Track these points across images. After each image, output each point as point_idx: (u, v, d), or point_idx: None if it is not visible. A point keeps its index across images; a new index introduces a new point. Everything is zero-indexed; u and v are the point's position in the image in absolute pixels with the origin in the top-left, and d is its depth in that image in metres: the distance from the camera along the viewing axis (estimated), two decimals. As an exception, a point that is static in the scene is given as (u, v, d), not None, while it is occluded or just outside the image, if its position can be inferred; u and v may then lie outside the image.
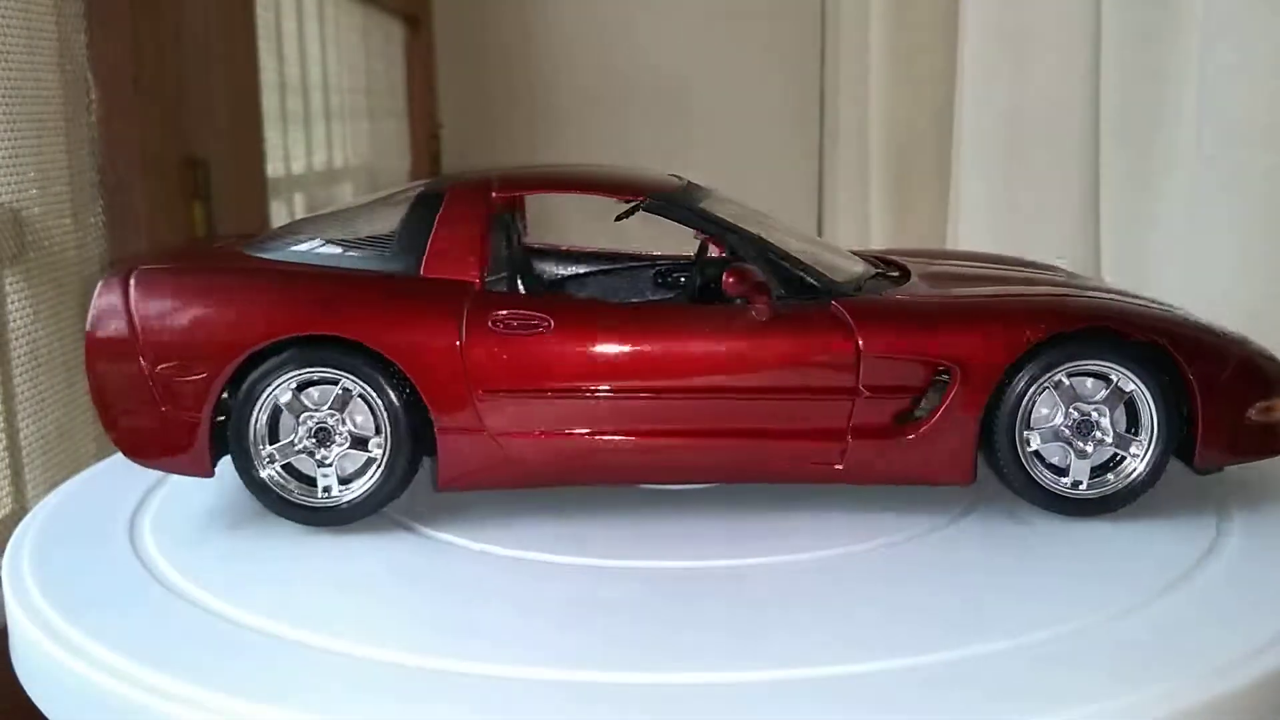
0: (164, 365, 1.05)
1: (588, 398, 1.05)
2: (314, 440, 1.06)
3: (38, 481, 1.57)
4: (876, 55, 2.81)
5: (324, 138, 3.14)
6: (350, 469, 1.07)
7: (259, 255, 1.13)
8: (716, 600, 0.92)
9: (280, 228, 1.20)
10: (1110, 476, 1.06)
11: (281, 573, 0.99)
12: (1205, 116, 1.55)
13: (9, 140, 1.52)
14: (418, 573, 0.98)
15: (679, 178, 1.23)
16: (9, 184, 1.52)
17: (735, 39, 4.09)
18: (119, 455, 1.24)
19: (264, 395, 1.05)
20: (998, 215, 2.02)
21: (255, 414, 1.05)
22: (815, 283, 1.08)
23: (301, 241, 1.13)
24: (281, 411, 1.06)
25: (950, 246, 2.27)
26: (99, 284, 1.08)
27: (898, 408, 1.05)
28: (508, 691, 0.79)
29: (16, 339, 1.53)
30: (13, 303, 1.53)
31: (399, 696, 0.79)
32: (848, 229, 3.27)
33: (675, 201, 1.13)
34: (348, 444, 1.06)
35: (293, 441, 1.06)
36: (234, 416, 1.06)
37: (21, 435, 1.54)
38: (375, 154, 3.68)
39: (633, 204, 1.14)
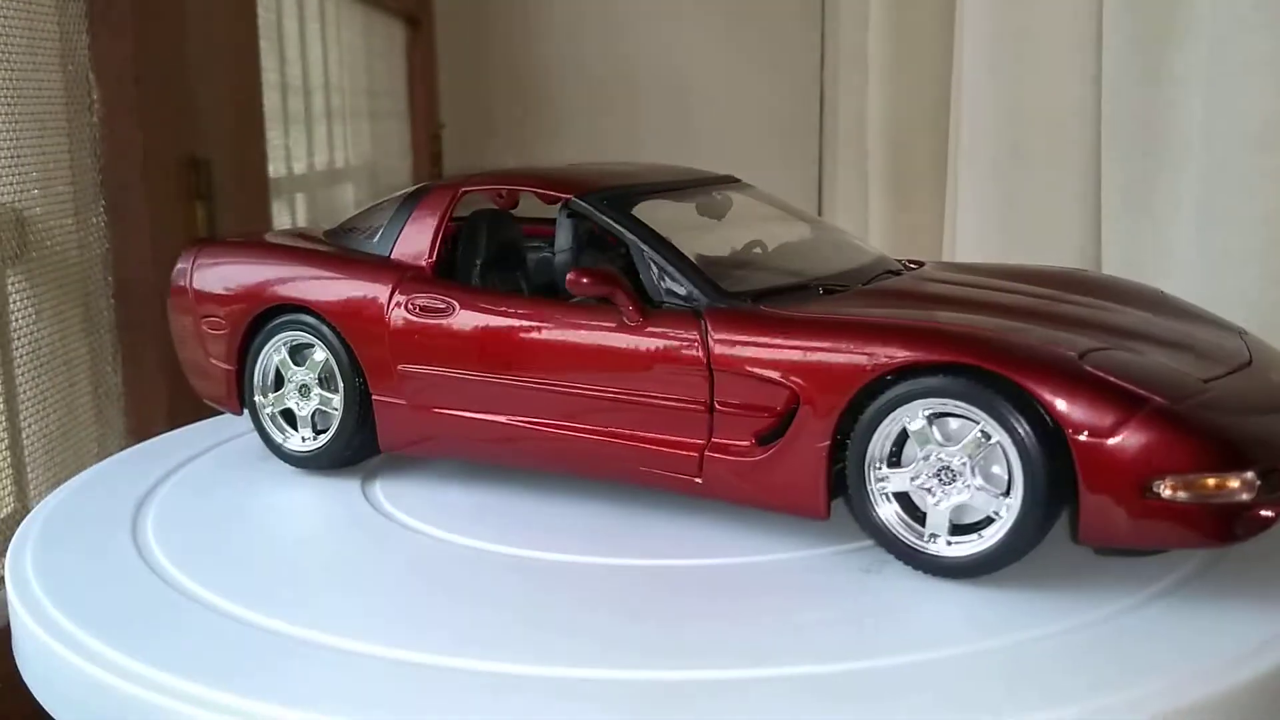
0: (205, 319, 1.27)
1: (476, 381, 1.10)
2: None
3: (40, 481, 1.57)
4: (876, 55, 2.81)
5: (325, 138, 3.14)
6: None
7: (297, 239, 1.30)
8: (714, 597, 0.93)
9: (352, 216, 1.33)
10: (975, 536, 0.91)
11: (284, 571, 0.99)
12: (1207, 118, 1.55)
13: (11, 140, 1.52)
14: (421, 572, 0.99)
15: (733, 179, 1.27)
16: (11, 184, 1.52)
17: (735, 39, 4.09)
18: (121, 454, 1.25)
19: None
20: (996, 216, 2.02)
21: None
22: (693, 290, 1.03)
23: (340, 228, 1.30)
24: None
25: (948, 246, 2.27)
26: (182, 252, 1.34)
27: (760, 426, 0.98)
28: (519, 690, 0.79)
29: (19, 338, 1.53)
30: (15, 302, 1.53)
31: (401, 695, 0.79)
32: (846, 228, 3.27)
33: (596, 202, 1.12)
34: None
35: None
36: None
37: (24, 435, 1.54)
38: (377, 154, 3.68)
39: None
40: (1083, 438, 0.85)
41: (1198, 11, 1.57)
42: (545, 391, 1.07)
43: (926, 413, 0.91)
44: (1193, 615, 0.87)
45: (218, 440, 1.34)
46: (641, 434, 1.04)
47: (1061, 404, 0.86)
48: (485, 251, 1.21)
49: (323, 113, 3.09)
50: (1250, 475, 0.84)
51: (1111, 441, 0.85)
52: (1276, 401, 0.94)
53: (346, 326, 1.17)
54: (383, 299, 1.15)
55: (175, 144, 1.89)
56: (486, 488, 1.16)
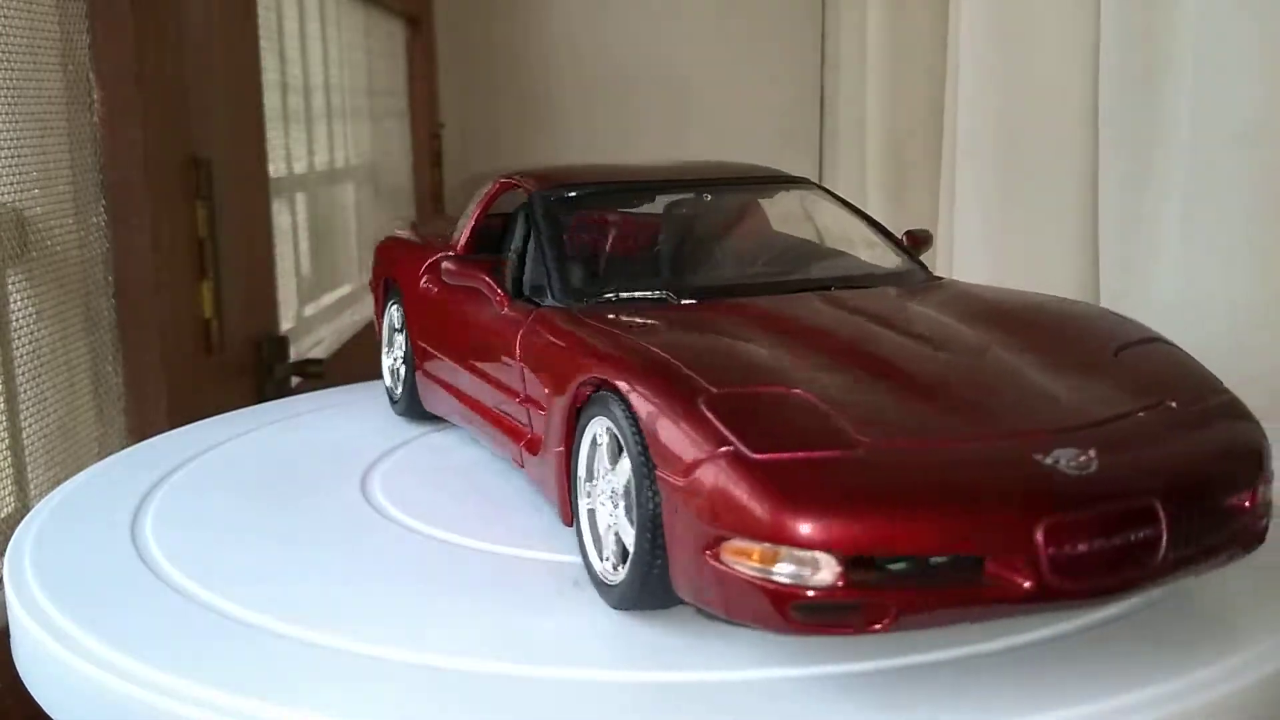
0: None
1: (437, 356, 1.25)
2: None
3: (40, 480, 1.57)
4: (875, 54, 2.81)
5: (326, 137, 3.14)
6: None
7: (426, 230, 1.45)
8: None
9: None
10: (621, 567, 0.86)
11: (286, 571, 0.99)
12: (1203, 116, 1.55)
13: (11, 140, 1.52)
14: (421, 573, 0.99)
15: (800, 181, 1.27)
16: (11, 183, 1.52)
17: (735, 38, 4.09)
18: (121, 454, 1.25)
19: None
20: (994, 214, 2.02)
21: None
22: (547, 287, 1.05)
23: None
24: None
25: (945, 244, 2.27)
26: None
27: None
28: (521, 690, 0.79)
29: (19, 338, 1.53)
30: (15, 302, 1.53)
31: (402, 696, 0.79)
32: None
33: (538, 199, 1.15)
34: None
35: None
36: None
37: (24, 434, 1.54)
38: (377, 153, 3.68)
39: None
40: (661, 474, 0.79)
41: (1186, 8, 1.57)
42: (463, 369, 1.19)
43: (609, 432, 0.87)
44: (1196, 617, 0.87)
45: (218, 440, 1.34)
46: (496, 415, 1.12)
47: (656, 434, 0.79)
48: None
49: (323, 112, 3.09)
50: (822, 557, 0.71)
51: (681, 483, 0.77)
52: (998, 483, 0.76)
53: (402, 296, 1.35)
54: (417, 276, 1.32)
55: (176, 144, 1.89)
56: (489, 487, 1.16)
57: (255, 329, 2.23)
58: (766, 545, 0.72)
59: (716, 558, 0.74)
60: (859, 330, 0.96)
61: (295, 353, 2.45)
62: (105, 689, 0.83)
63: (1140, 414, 0.85)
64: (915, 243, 1.23)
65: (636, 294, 1.05)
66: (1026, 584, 0.72)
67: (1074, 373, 0.89)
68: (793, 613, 0.72)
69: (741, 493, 0.73)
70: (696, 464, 0.76)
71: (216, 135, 2.05)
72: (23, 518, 1.14)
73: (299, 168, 2.83)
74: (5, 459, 1.50)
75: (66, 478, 1.26)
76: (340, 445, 1.31)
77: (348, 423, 1.42)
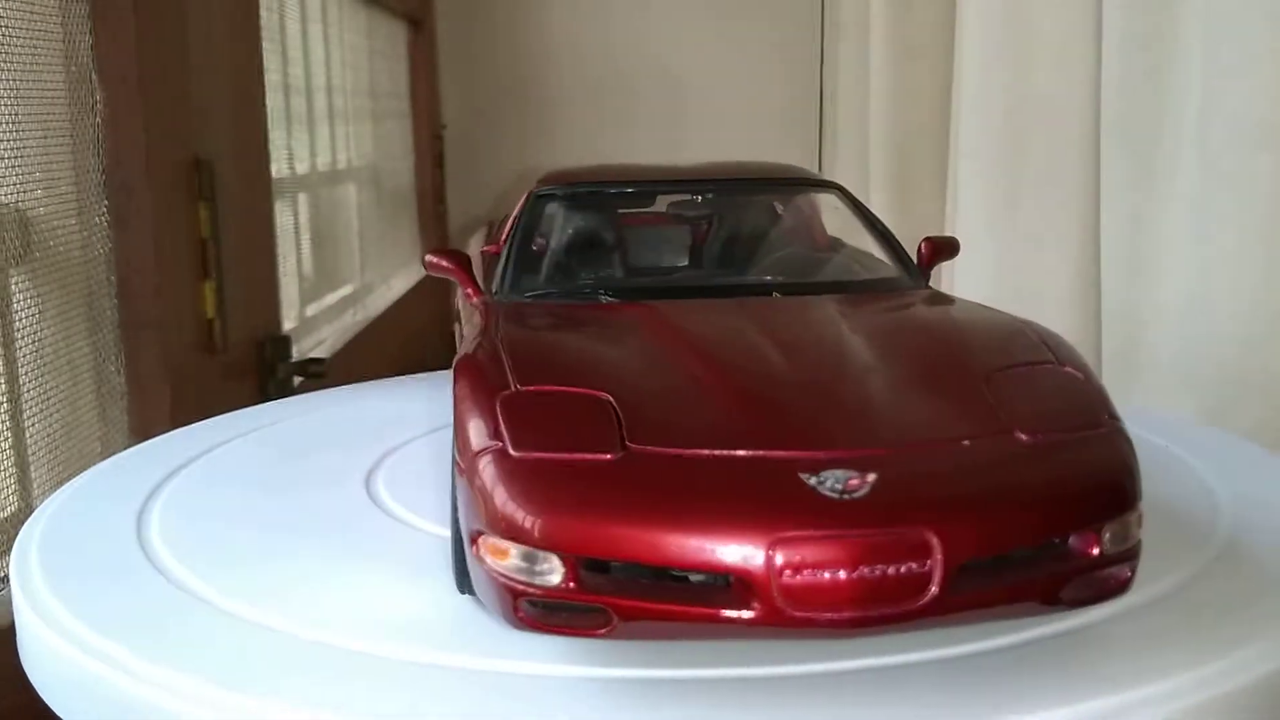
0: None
1: None
2: None
3: (44, 480, 1.57)
4: (876, 54, 2.81)
5: (328, 138, 3.15)
6: None
7: None
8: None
9: None
10: None
11: (288, 570, 0.99)
12: (1206, 116, 1.55)
13: (14, 141, 1.53)
14: (427, 571, 0.99)
15: (823, 183, 1.25)
16: (14, 184, 1.52)
17: (736, 38, 4.09)
18: (124, 453, 1.25)
19: None
20: (996, 214, 2.02)
21: None
22: (500, 284, 1.10)
23: None
24: None
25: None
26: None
27: None
28: (522, 690, 0.79)
29: (22, 338, 1.53)
30: (19, 302, 1.53)
31: (406, 695, 0.79)
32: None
33: (538, 196, 1.20)
34: None
35: None
36: None
37: (27, 434, 1.54)
38: (379, 155, 3.69)
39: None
40: (458, 463, 0.81)
41: (1193, 11, 1.57)
42: None
43: None
44: (1196, 616, 0.87)
45: (221, 439, 1.35)
46: None
47: (460, 424, 0.82)
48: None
49: (325, 113, 3.10)
50: (553, 557, 0.72)
51: (464, 475, 0.79)
52: (742, 497, 0.73)
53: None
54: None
55: (178, 145, 1.90)
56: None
57: (257, 329, 2.23)
58: (505, 541, 0.73)
59: (476, 550, 0.76)
60: (735, 338, 0.94)
61: (297, 352, 2.45)
62: (110, 685, 0.83)
63: (967, 442, 0.79)
64: (935, 250, 1.18)
65: (572, 290, 1.08)
66: (755, 607, 0.70)
67: (929, 394, 0.84)
68: (523, 609, 0.74)
69: (494, 489, 0.74)
70: (475, 457, 0.77)
71: (219, 136, 2.06)
72: (27, 517, 1.14)
73: (301, 168, 2.83)
74: (9, 459, 1.50)
75: (70, 477, 1.27)
76: (343, 444, 1.32)
77: (350, 422, 1.42)
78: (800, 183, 1.27)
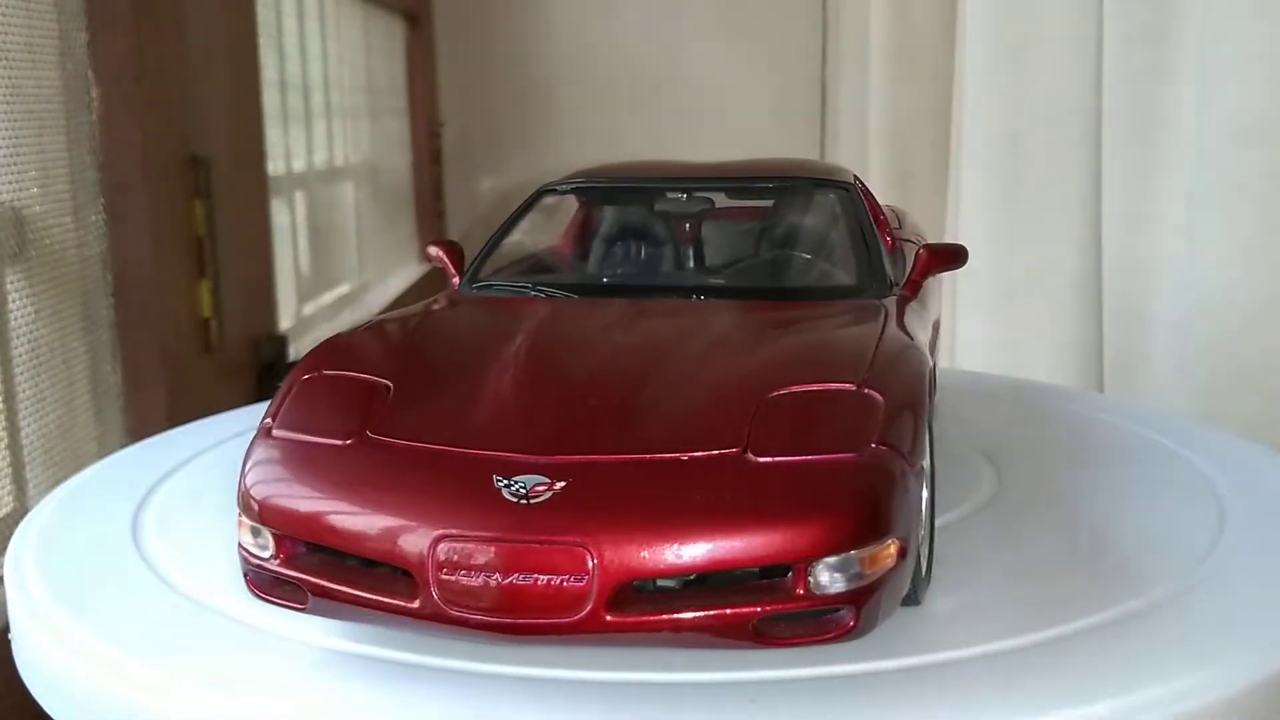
0: None
1: None
2: None
3: (39, 480, 1.57)
4: (877, 53, 2.81)
5: (325, 136, 3.14)
6: None
7: None
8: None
9: None
10: None
11: (283, 571, 0.99)
12: (1206, 115, 1.55)
13: (10, 139, 1.52)
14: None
15: (830, 182, 1.21)
16: (10, 182, 1.52)
17: (737, 37, 4.09)
18: (120, 453, 1.24)
19: None
20: (997, 213, 2.02)
21: None
22: (474, 274, 1.10)
23: None
24: None
25: (949, 240, 2.27)
26: None
27: None
28: (522, 690, 0.79)
29: (17, 337, 1.53)
30: (13, 301, 1.53)
31: (404, 697, 0.79)
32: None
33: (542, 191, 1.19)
34: None
35: None
36: None
37: (23, 433, 1.54)
38: (376, 152, 3.68)
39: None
40: None
41: (1190, 8, 1.57)
42: None
43: None
44: (1196, 617, 0.87)
45: (218, 439, 1.34)
46: None
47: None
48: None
49: (322, 110, 3.09)
50: (266, 531, 0.78)
51: None
52: (424, 493, 0.75)
53: None
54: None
55: (174, 142, 1.89)
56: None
57: (254, 328, 2.23)
58: (240, 513, 0.80)
59: (238, 520, 0.81)
60: (589, 340, 0.94)
61: (294, 351, 2.45)
62: (104, 688, 0.82)
63: (685, 458, 0.75)
64: (931, 258, 1.10)
65: (510, 285, 1.09)
66: (419, 602, 0.71)
67: (700, 409, 0.80)
68: (252, 577, 0.80)
69: (244, 462, 0.81)
70: (256, 432, 0.83)
71: (215, 134, 2.05)
72: (22, 517, 1.14)
73: (298, 166, 2.83)
74: (4, 458, 1.50)
75: (65, 477, 1.26)
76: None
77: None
78: (801, 181, 1.25)
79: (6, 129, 1.52)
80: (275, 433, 0.82)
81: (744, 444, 0.76)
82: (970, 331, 2.07)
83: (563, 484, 0.73)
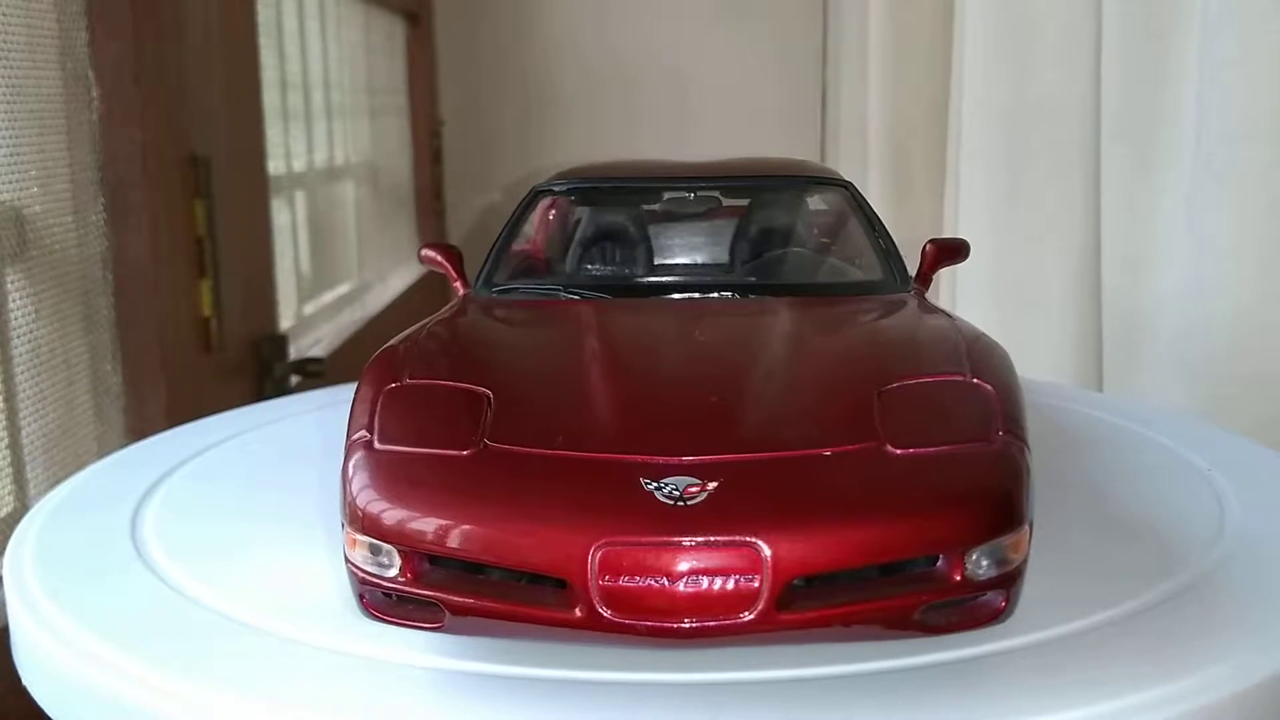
0: None
1: None
2: None
3: (39, 480, 1.57)
4: (877, 52, 2.81)
5: (325, 135, 3.14)
6: None
7: None
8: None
9: None
10: None
11: (287, 571, 0.99)
12: (1205, 113, 1.55)
13: (10, 138, 1.52)
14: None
15: (831, 181, 1.22)
16: (10, 182, 1.52)
17: (736, 33, 4.09)
18: (120, 453, 1.24)
19: None
20: (997, 212, 2.02)
21: None
22: (481, 277, 1.10)
23: None
24: None
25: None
26: None
27: None
28: (522, 690, 0.79)
29: (18, 337, 1.53)
30: (14, 300, 1.53)
31: (404, 698, 0.79)
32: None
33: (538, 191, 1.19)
34: None
35: None
36: None
37: (23, 433, 1.54)
38: (376, 151, 3.68)
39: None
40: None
41: (1190, 8, 1.57)
42: None
43: None
44: (1199, 619, 0.87)
45: (217, 439, 1.34)
46: None
47: (350, 414, 0.85)
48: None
49: (322, 110, 3.09)
50: (390, 549, 0.74)
51: (343, 464, 0.82)
52: (575, 500, 0.73)
53: None
54: None
55: (174, 141, 1.89)
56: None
57: (254, 327, 2.23)
58: (353, 532, 0.75)
59: (347, 540, 0.77)
60: (654, 340, 0.95)
61: (295, 351, 2.45)
62: (104, 688, 0.82)
63: (828, 453, 0.76)
64: (939, 253, 1.13)
65: (536, 287, 1.08)
66: (578, 611, 0.69)
67: (815, 405, 0.81)
68: (368, 598, 0.76)
69: (351, 480, 0.77)
70: (348, 448, 0.80)
71: (216, 133, 2.05)
72: (22, 517, 1.14)
73: (298, 165, 2.83)
74: (4, 458, 1.50)
75: (66, 477, 1.26)
76: (341, 444, 1.31)
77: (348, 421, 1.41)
78: (802, 180, 1.25)
79: (7, 129, 1.52)
80: (379, 446, 0.78)
81: (879, 437, 0.77)
82: (970, 331, 2.07)
83: (714, 484, 0.72)
